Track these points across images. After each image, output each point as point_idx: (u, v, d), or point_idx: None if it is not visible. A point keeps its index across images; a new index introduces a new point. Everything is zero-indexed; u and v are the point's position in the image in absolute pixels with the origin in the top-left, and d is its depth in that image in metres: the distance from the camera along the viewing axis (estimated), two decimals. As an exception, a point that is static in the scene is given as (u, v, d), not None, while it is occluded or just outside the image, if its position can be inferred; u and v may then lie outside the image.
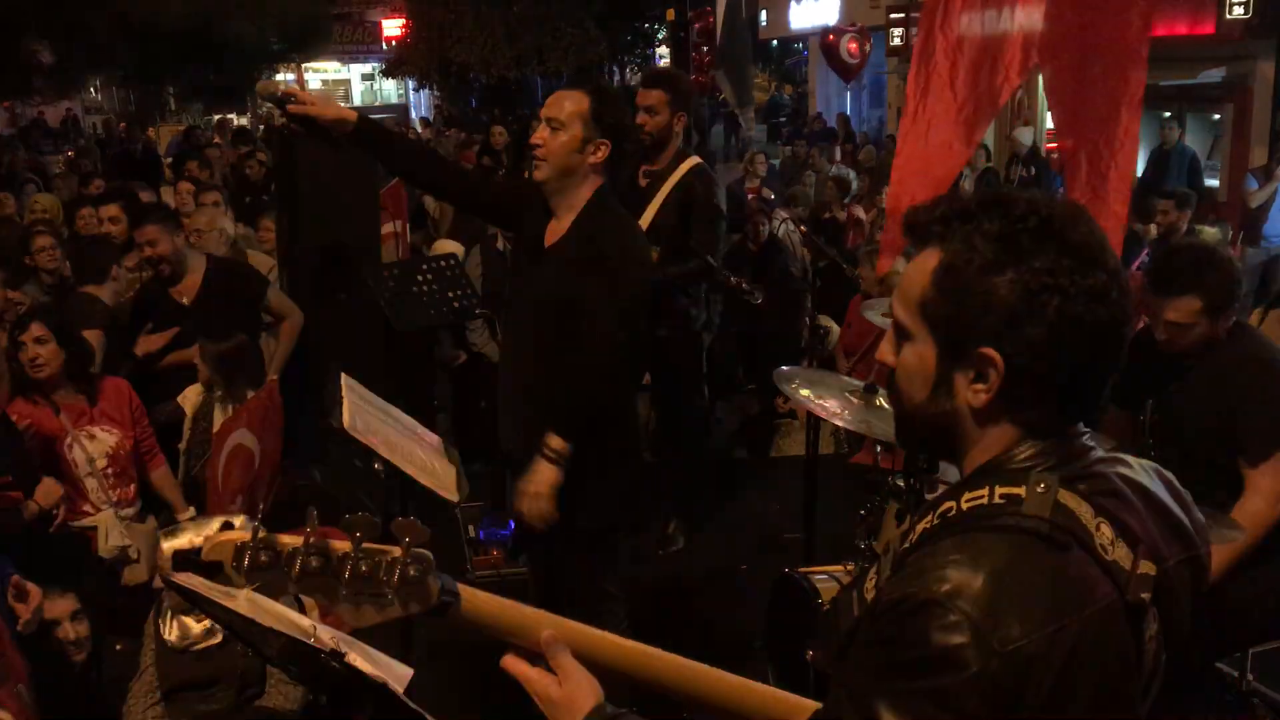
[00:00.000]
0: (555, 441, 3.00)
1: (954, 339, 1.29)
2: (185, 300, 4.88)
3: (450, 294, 4.74)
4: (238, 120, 23.36)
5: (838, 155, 14.40)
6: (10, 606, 3.10)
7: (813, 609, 3.31)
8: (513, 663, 1.45)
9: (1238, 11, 10.70)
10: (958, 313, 1.28)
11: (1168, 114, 11.35)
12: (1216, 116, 11.94)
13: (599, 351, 3.03)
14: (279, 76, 25.71)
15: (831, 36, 18.62)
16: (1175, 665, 1.33)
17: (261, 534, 1.36)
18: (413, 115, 31.01)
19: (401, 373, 5.98)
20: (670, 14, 6.25)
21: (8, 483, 3.62)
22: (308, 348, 5.21)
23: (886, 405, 3.22)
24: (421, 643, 3.44)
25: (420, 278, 4.70)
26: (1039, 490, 1.24)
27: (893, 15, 17.04)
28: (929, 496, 2.71)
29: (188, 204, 7.25)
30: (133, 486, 4.26)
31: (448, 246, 6.23)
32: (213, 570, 1.36)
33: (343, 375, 3.32)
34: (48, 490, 3.77)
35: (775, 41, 26.06)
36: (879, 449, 3.80)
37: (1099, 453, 1.32)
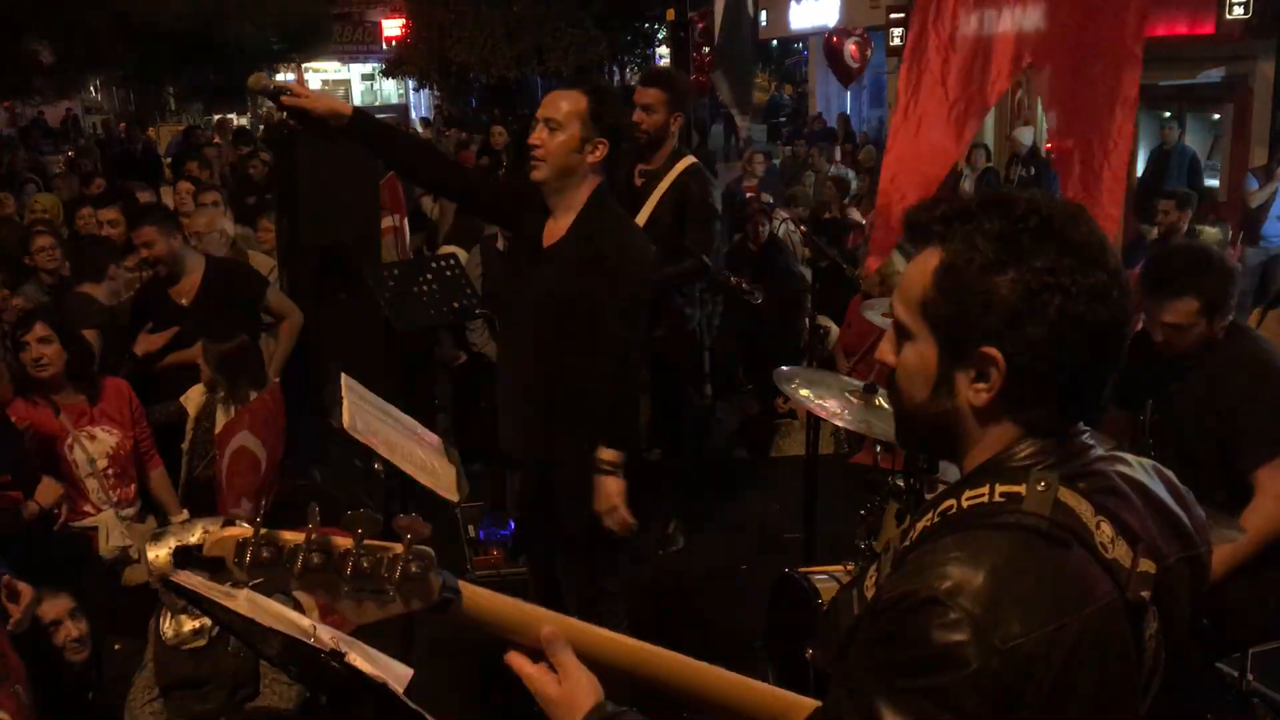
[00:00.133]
0: (607, 454, 3.03)
1: (955, 338, 1.29)
2: (184, 301, 4.89)
3: (450, 294, 4.74)
4: (238, 120, 23.35)
5: (837, 155, 14.39)
6: (3, 606, 3.10)
7: (813, 609, 3.31)
8: (515, 660, 1.46)
9: (1238, 11, 10.69)
10: (959, 312, 1.28)
11: (1168, 114, 11.35)
12: (1216, 116, 11.93)
13: (618, 354, 3.05)
14: (279, 76, 25.67)
15: (835, 39, 18.61)
16: (1175, 665, 1.33)
17: (263, 530, 1.36)
18: (413, 115, 31.00)
19: (401, 373, 5.99)
20: (670, 14, 6.25)
21: (7, 482, 3.62)
22: (308, 348, 5.21)
23: (886, 405, 3.22)
24: (422, 641, 3.44)
25: (420, 278, 4.70)
26: (1039, 488, 1.24)
27: (893, 15, 17.02)
28: (929, 496, 2.71)
29: (187, 204, 7.26)
30: (133, 487, 4.27)
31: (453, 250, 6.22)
32: (215, 566, 1.36)
33: (343, 375, 3.32)
34: (48, 490, 3.77)
35: (775, 41, 26.04)
36: (879, 449, 3.80)
37: (1099, 451, 1.32)
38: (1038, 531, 1.21)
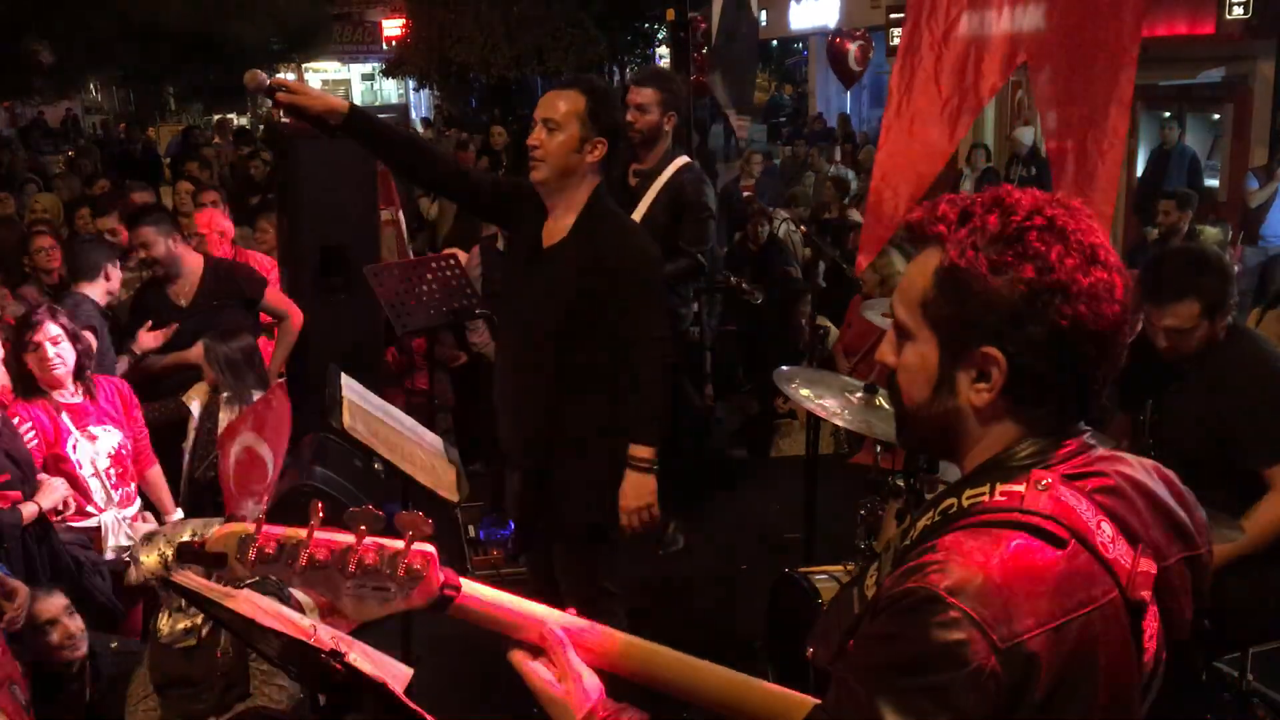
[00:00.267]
0: (641, 450, 3.06)
1: (956, 338, 1.29)
2: (183, 302, 4.89)
3: (450, 295, 4.74)
4: (238, 120, 23.36)
5: (837, 155, 14.39)
6: None
7: (813, 609, 3.31)
8: (516, 657, 1.46)
9: (1238, 11, 10.69)
10: (960, 312, 1.28)
11: (1168, 114, 11.35)
12: (1216, 116, 11.93)
13: (644, 352, 3.06)
14: (279, 76, 25.65)
15: (837, 40, 18.60)
16: (1177, 665, 1.33)
17: (265, 526, 1.36)
18: (413, 115, 31.00)
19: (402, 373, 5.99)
20: (670, 14, 6.27)
21: (6, 481, 3.62)
22: (308, 348, 5.21)
23: (886, 405, 3.22)
24: (422, 641, 3.44)
25: (421, 279, 4.70)
26: (1040, 487, 1.24)
27: (893, 15, 17.03)
28: (929, 496, 2.71)
29: (187, 204, 7.26)
30: (134, 486, 4.27)
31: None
32: (217, 562, 1.36)
33: (342, 375, 3.32)
34: (50, 490, 3.77)
35: (775, 41, 26.05)
36: (879, 449, 3.80)
37: (1100, 451, 1.32)
38: (1038, 530, 1.21)
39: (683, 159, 4.51)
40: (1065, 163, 3.96)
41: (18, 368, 3.93)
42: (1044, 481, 1.25)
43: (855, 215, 9.26)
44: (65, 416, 4.00)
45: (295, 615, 1.82)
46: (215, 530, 1.40)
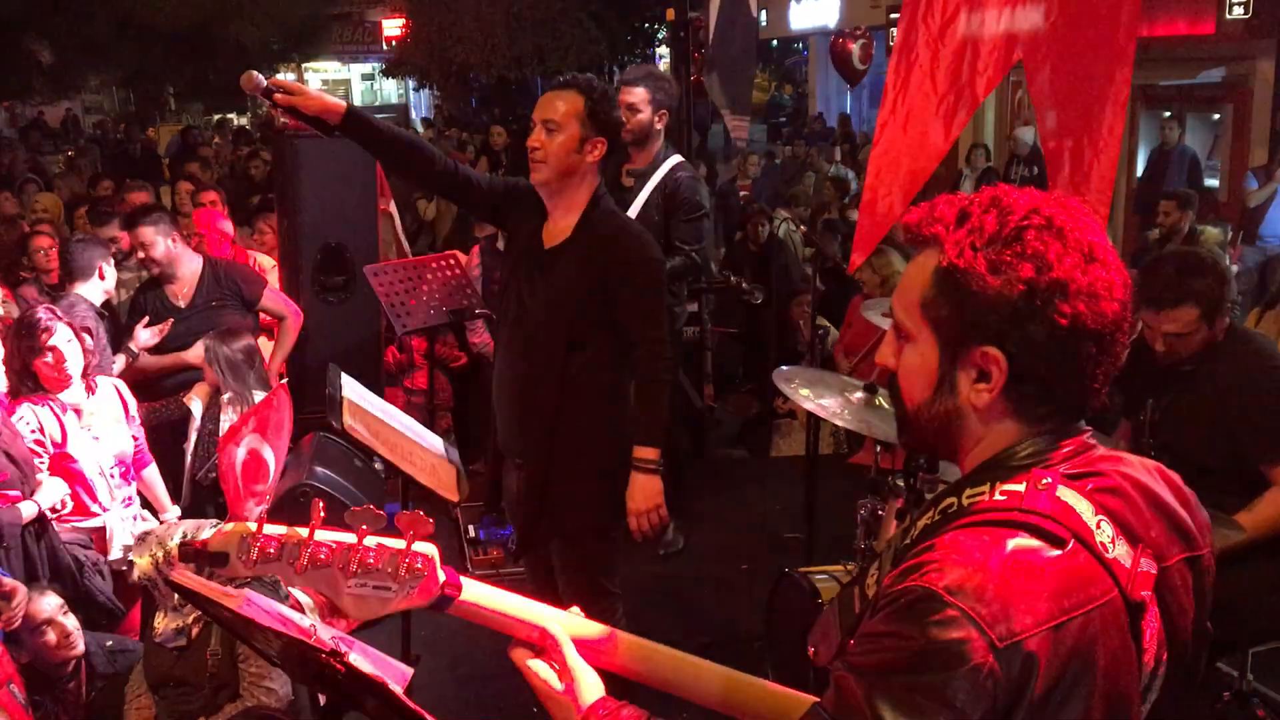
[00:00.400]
0: (646, 452, 3.06)
1: (956, 339, 1.29)
2: (181, 302, 4.88)
3: (450, 295, 4.74)
4: (238, 120, 23.36)
5: (837, 155, 14.40)
6: None
7: (813, 609, 3.31)
8: (516, 655, 1.46)
9: (1238, 11, 10.69)
10: (959, 312, 1.28)
11: (1168, 114, 11.35)
12: (1216, 116, 11.93)
13: (648, 353, 3.07)
14: (279, 76, 25.65)
15: (840, 40, 18.59)
16: (1179, 666, 1.33)
17: (267, 526, 1.37)
18: (413, 115, 31.00)
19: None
20: (670, 14, 6.27)
21: (5, 481, 3.62)
22: (308, 348, 5.21)
23: (886, 405, 3.22)
24: (421, 641, 3.44)
25: (421, 279, 4.71)
26: (1039, 487, 1.24)
27: (892, 15, 17.03)
28: (929, 495, 2.71)
29: (186, 204, 7.26)
30: (134, 485, 4.27)
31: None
32: (220, 561, 1.36)
33: (342, 375, 3.32)
34: (50, 490, 3.77)
35: (775, 41, 26.06)
36: (879, 449, 3.80)
37: (1101, 450, 1.32)
38: (1037, 530, 1.21)
39: (676, 158, 4.51)
40: (1062, 162, 3.96)
41: (23, 368, 3.92)
42: (1044, 481, 1.25)
43: (855, 215, 9.27)
44: (71, 417, 4.00)
45: (295, 615, 1.82)
46: (217, 529, 1.40)
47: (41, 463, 3.87)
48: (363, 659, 1.72)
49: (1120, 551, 1.24)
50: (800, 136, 17.06)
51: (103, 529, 4.05)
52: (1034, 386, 1.28)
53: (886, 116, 4.34)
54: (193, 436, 4.52)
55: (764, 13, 22.43)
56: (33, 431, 3.87)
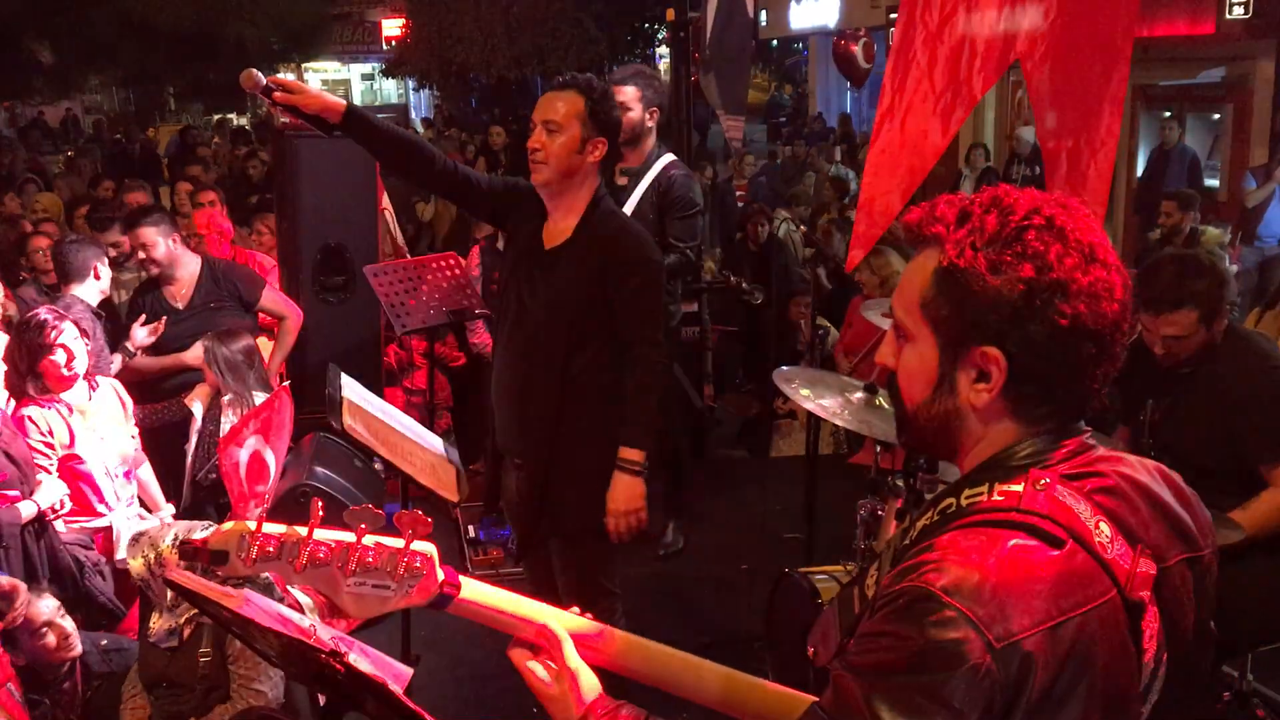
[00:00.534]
0: (631, 454, 3.04)
1: (955, 338, 1.29)
2: (180, 304, 4.87)
3: (451, 295, 4.74)
4: (238, 120, 23.35)
5: (837, 155, 14.40)
6: None
7: (813, 609, 3.31)
8: (515, 654, 1.46)
9: (1238, 11, 10.69)
10: (959, 312, 1.28)
11: (1168, 114, 11.35)
12: (1216, 116, 11.93)
13: (643, 355, 3.06)
14: (279, 76, 25.65)
15: (842, 42, 18.59)
16: (1181, 667, 1.32)
17: (267, 525, 1.37)
18: (413, 115, 31.00)
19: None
20: (670, 14, 6.26)
21: (5, 481, 3.62)
22: (308, 348, 5.21)
23: (886, 405, 3.22)
24: (421, 641, 3.45)
25: (421, 279, 4.70)
26: (1038, 487, 1.24)
27: (892, 15, 17.03)
28: (929, 495, 2.71)
29: (186, 205, 7.26)
30: (136, 485, 4.28)
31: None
32: (219, 559, 1.36)
33: (342, 375, 3.32)
34: (50, 490, 3.77)
35: (775, 41, 26.06)
36: (879, 449, 3.80)
37: (1100, 451, 1.32)
38: (1035, 530, 1.22)
39: (669, 156, 4.51)
40: (1060, 162, 3.96)
41: (29, 369, 3.92)
42: (1042, 481, 1.25)
43: (854, 215, 9.27)
44: (77, 418, 4.00)
45: (295, 615, 1.82)
46: (215, 529, 1.40)
47: (50, 465, 3.87)
48: (363, 659, 1.72)
49: (1119, 551, 1.24)
50: (800, 136, 17.07)
51: (109, 529, 4.06)
52: (1033, 387, 1.28)
53: (884, 115, 4.34)
54: (193, 438, 4.52)
55: (764, 13, 22.43)
56: (41, 435, 3.87)
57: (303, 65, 30.26)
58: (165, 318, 4.80)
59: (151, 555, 3.11)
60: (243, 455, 3.84)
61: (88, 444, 4.00)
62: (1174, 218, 7.46)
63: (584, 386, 3.07)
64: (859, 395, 3.48)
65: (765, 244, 7.77)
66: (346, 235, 5.32)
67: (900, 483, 3.38)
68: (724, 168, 12.15)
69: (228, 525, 1.38)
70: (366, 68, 34.42)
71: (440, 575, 1.39)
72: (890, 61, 4.35)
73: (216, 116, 23.62)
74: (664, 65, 23.53)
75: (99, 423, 4.09)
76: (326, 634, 1.75)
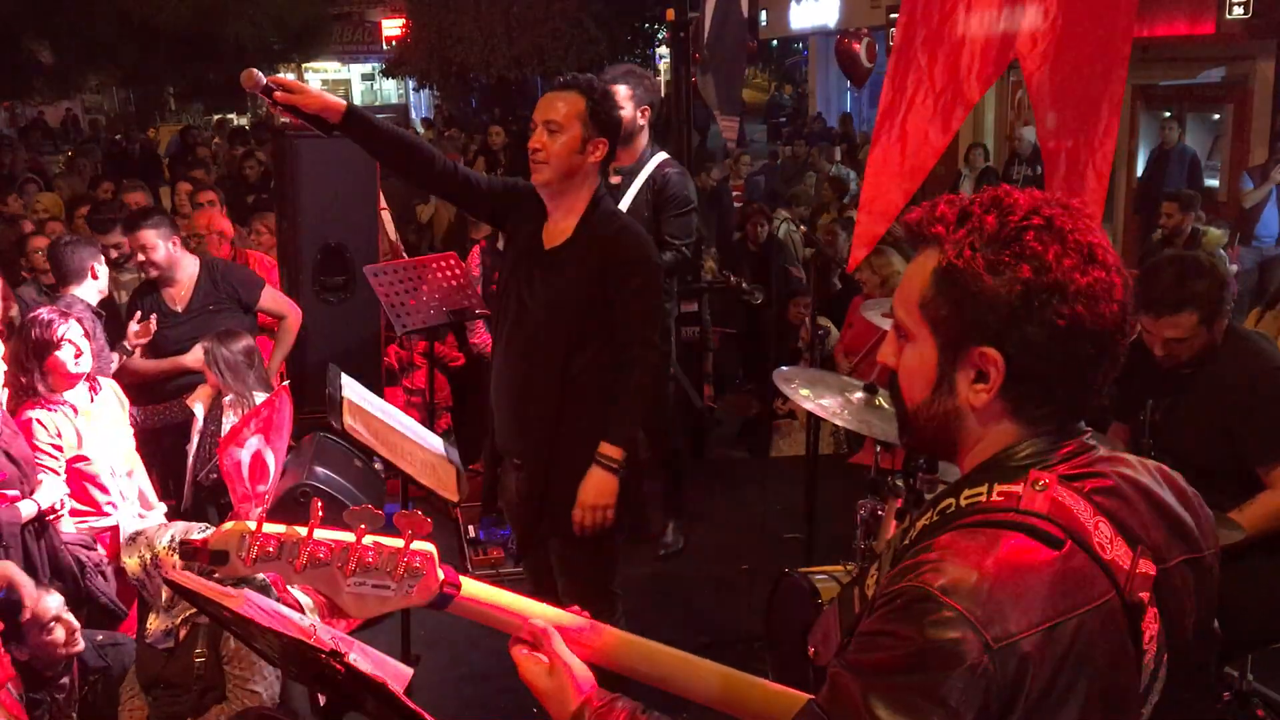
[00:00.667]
0: (611, 450, 3.03)
1: (954, 339, 1.29)
2: (178, 306, 4.86)
3: (451, 296, 4.74)
4: (237, 120, 23.35)
5: (837, 155, 14.41)
6: None
7: (813, 609, 3.31)
8: (516, 653, 1.47)
9: (1238, 11, 10.69)
10: (957, 312, 1.28)
11: (1168, 114, 11.35)
12: (1216, 116, 11.93)
13: (639, 356, 3.05)
14: (276, 75, 25.65)
15: (845, 41, 18.59)
16: (1183, 668, 1.32)
17: (266, 525, 1.37)
18: (413, 115, 31.01)
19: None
20: (670, 14, 6.27)
21: (5, 481, 3.62)
22: (307, 348, 5.21)
23: (886, 405, 3.22)
24: (421, 641, 3.45)
25: (421, 279, 4.71)
26: (1037, 488, 1.24)
27: (892, 15, 17.03)
28: (929, 496, 2.71)
29: (186, 205, 7.25)
30: (138, 485, 4.28)
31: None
32: (219, 559, 1.36)
33: (342, 375, 3.32)
34: (50, 490, 3.77)
35: (775, 41, 26.07)
36: (879, 449, 3.80)
37: (1101, 452, 1.32)
38: (1034, 530, 1.21)
39: (662, 154, 4.51)
40: (1059, 162, 3.97)
41: (38, 365, 3.91)
42: (1041, 482, 1.25)
43: (854, 215, 9.27)
44: (82, 419, 4.01)
45: (295, 615, 1.82)
46: (216, 529, 1.40)
47: (59, 467, 3.87)
48: (363, 659, 1.72)
49: (1119, 552, 1.24)
50: (800, 136, 17.06)
51: (116, 528, 4.06)
52: (1033, 388, 1.28)
53: (885, 114, 4.35)
54: (195, 439, 4.52)
55: (764, 13, 22.45)
56: (50, 438, 3.87)
57: (303, 65, 30.27)
58: (155, 314, 4.79)
59: (148, 555, 3.11)
60: (244, 455, 3.85)
61: (94, 445, 4.00)
62: (1175, 219, 7.47)
63: (584, 386, 3.07)
64: (859, 395, 3.48)
65: (765, 244, 7.77)
66: (346, 235, 5.32)
67: (900, 483, 3.38)
68: (720, 168, 12.15)
69: (228, 525, 1.38)
70: (366, 68, 34.43)
71: (439, 575, 1.39)
72: (891, 61, 4.36)
73: (216, 116, 23.62)
74: (664, 65, 23.56)
75: (103, 424, 4.10)
76: (326, 634, 1.75)
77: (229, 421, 4.35)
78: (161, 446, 4.64)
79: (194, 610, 3.08)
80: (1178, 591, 1.30)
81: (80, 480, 3.94)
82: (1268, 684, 3.48)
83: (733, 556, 4.90)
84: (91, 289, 4.80)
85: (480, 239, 6.08)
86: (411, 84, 29.25)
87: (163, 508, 4.41)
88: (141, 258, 4.84)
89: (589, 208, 3.07)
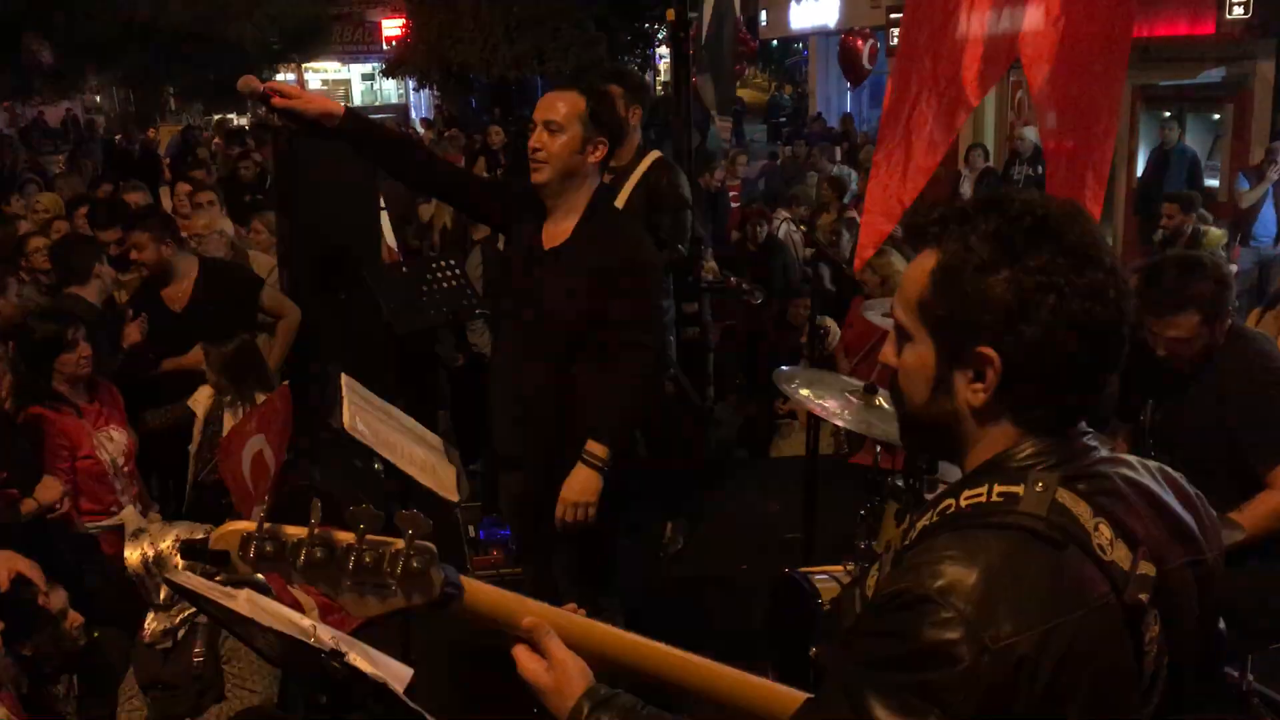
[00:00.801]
0: (598, 448, 3.02)
1: (952, 339, 1.29)
2: (177, 307, 4.85)
3: (451, 296, 4.74)
4: (237, 120, 23.34)
5: (838, 155, 14.40)
6: None
7: (813, 609, 3.31)
8: (515, 650, 1.47)
9: (1238, 11, 10.69)
10: (955, 312, 1.28)
11: (1168, 114, 11.35)
12: (1216, 116, 11.93)
13: (637, 357, 3.04)
14: (279, 76, 25.65)
15: (850, 38, 18.59)
16: (1184, 669, 1.32)
17: (267, 525, 1.37)
18: (413, 115, 31.00)
19: (403, 372, 5.99)
20: (670, 14, 6.27)
21: (5, 479, 3.62)
22: (307, 347, 5.20)
23: (887, 405, 3.22)
24: (421, 641, 3.44)
25: (421, 280, 4.71)
26: (1037, 489, 1.24)
27: (893, 15, 17.03)
28: (929, 496, 2.70)
29: (185, 206, 7.25)
30: (139, 484, 4.29)
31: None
32: (220, 559, 1.36)
33: (343, 375, 3.32)
34: (48, 488, 3.78)
35: (775, 41, 26.06)
36: (879, 449, 3.79)
37: (1101, 453, 1.32)
38: (1033, 532, 1.21)
39: (655, 153, 4.51)
40: (1060, 162, 3.97)
41: (50, 365, 3.91)
42: (1041, 483, 1.25)
43: (855, 215, 9.27)
44: (87, 419, 4.02)
45: (295, 615, 1.82)
46: (216, 529, 1.40)
47: (66, 467, 3.88)
48: (363, 659, 1.72)
49: (1119, 554, 1.24)
50: (800, 136, 17.06)
51: (119, 528, 4.06)
52: (1031, 388, 1.28)
53: (889, 115, 4.35)
54: (196, 439, 4.52)
55: (764, 13, 22.47)
56: (57, 439, 3.88)
57: (303, 65, 30.29)
58: (145, 313, 4.78)
59: (150, 553, 3.11)
60: (244, 455, 3.85)
61: (99, 444, 4.01)
62: (1176, 220, 7.47)
63: (586, 389, 3.07)
64: (859, 395, 3.48)
65: (765, 244, 7.77)
66: (346, 235, 5.32)
67: (900, 483, 3.38)
68: (721, 169, 12.15)
69: (228, 526, 1.38)
70: (366, 68, 34.40)
71: (441, 576, 1.39)
72: (895, 61, 4.38)
73: (216, 117, 23.61)
74: (663, 66, 23.58)
75: (105, 423, 4.10)
76: (327, 634, 1.75)
77: (229, 421, 4.35)
78: (162, 447, 4.64)
79: (192, 610, 3.07)
80: (1179, 593, 1.30)
81: (87, 480, 3.94)
82: (1268, 684, 3.48)
83: (733, 556, 4.90)
84: (93, 288, 4.80)
85: (481, 239, 6.08)
86: (411, 84, 29.22)
87: (155, 507, 4.41)
88: (134, 255, 4.84)
89: (589, 208, 3.08)
